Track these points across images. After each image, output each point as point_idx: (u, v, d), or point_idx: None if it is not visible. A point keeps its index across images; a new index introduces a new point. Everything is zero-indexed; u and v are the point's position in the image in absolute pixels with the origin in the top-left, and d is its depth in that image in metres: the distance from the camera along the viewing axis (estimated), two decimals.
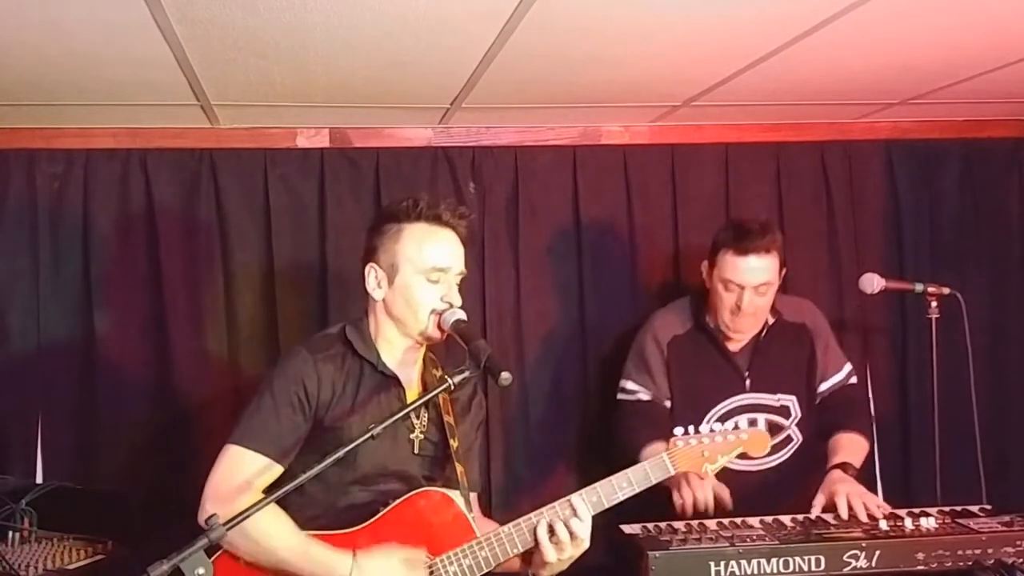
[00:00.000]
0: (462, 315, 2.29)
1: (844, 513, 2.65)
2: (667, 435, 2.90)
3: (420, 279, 2.29)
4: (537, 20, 2.33)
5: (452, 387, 2.15)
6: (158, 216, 3.37)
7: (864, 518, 2.61)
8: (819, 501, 2.76)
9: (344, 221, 3.47)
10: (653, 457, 2.33)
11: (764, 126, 3.69)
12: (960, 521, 2.58)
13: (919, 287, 3.22)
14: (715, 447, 2.36)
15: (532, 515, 2.25)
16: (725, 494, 2.80)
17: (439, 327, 2.29)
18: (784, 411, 3.06)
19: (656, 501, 2.66)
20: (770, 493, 2.94)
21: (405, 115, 3.38)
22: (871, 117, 3.68)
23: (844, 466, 2.85)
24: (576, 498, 2.24)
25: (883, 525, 2.54)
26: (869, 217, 3.77)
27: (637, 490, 2.29)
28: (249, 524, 1.98)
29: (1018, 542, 2.44)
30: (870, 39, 2.62)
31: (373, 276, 2.34)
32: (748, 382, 3.04)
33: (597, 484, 2.28)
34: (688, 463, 2.33)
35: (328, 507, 2.29)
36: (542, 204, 3.61)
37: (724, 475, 2.92)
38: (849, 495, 2.68)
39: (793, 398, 3.07)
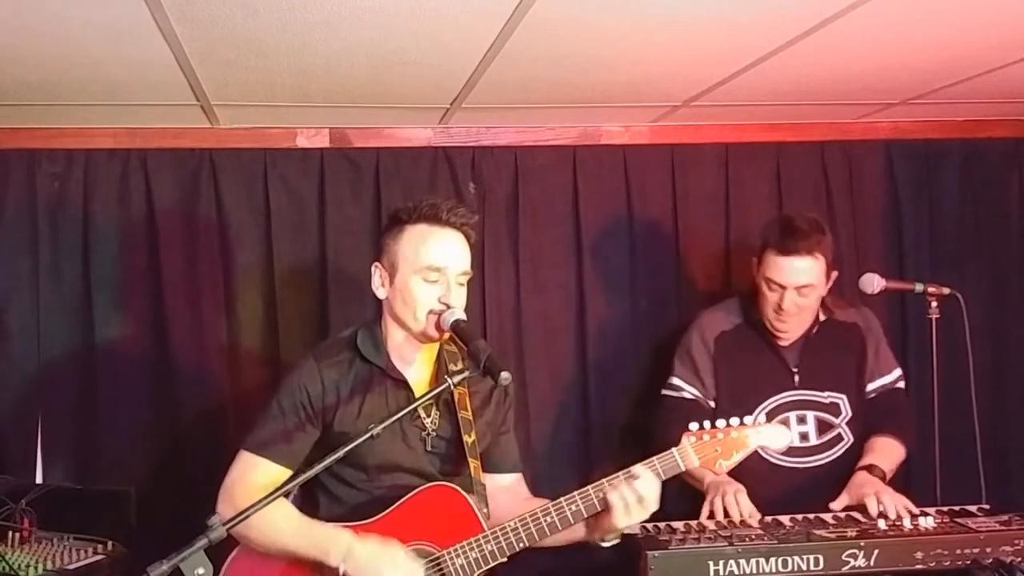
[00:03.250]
0: (461, 315, 2.30)
1: (874, 511, 2.63)
2: None
3: (416, 279, 2.32)
4: (537, 20, 2.33)
5: (452, 387, 2.17)
6: (158, 216, 3.37)
7: (893, 515, 2.60)
8: (842, 500, 2.74)
9: (344, 221, 3.47)
10: (664, 453, 2.32)
11: (764, 126, 3.69)
12: (958, 520, 2.58)
13: (919, 287, 3.22)
14: (729, 443, 2.35)
15: (538, 509, 2.29)
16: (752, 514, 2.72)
17: (438, 327, 2.30)
18: (834, 409, 3.03)
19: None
20: (818, 491, 2.87)
21: (405, 115, 3.38)
22: (871, 117, 3.68)
23: (871, 468, 2.83)
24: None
25: (881, 524, 2.54)
26: (869, 217, 3.77)
27: None
28: (255, 516, 2.06)
29: (1016, 541, 2.44)
30: (870, 39, 2.62)
31: (377, 275, 2.41)
32: (797, 378, 3.01)
33: (590, 487, 2.30)
34: (701, 459, 2.32)
35: (352, 504, 2.38)
36: (542, 204, 3.61)
37: (773, 472, 2.94)
38: (878, 493, 2.68)
39: (843, 396, 3.03)
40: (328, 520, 2.35)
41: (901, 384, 3.15)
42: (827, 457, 3.02)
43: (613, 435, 3.61)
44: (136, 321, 3.38)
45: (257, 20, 2.29)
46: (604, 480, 2.29)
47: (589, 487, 2.29)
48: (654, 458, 2.31)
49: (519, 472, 2.60)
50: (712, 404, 3.06)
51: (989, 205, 3.83)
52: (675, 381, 3.11)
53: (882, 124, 3.75)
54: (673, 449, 2.33)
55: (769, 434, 2.38)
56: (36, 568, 2.44)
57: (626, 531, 2.32)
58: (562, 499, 2.29)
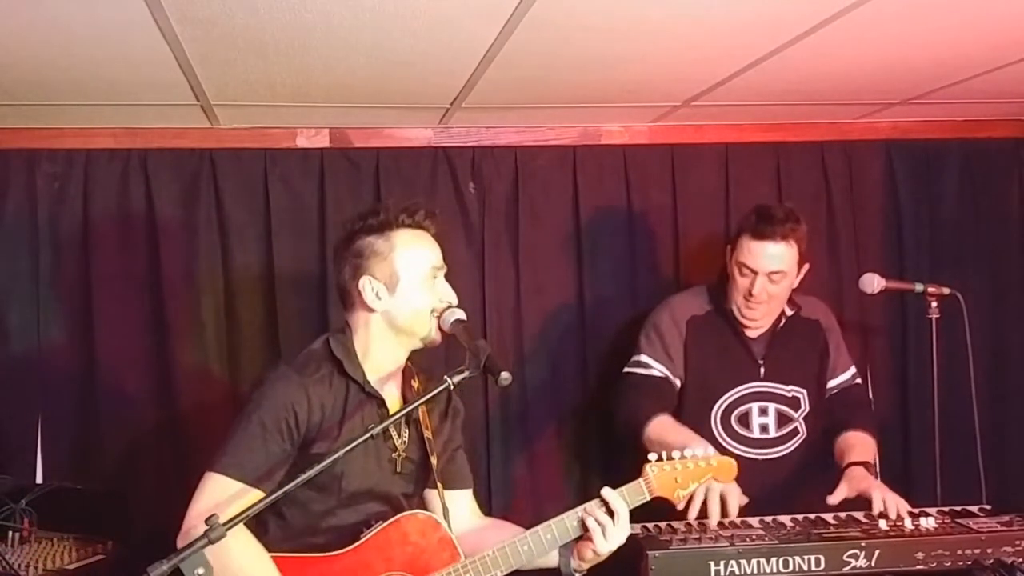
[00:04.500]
0: (461, 315, 2.29)
1: (878, 509, 2.64)
2: (673, 411, 2.93)
3: (424, 283, 2.30)
4: (537, 20, 2.33)
5: (452, 387, 2.13)
6: (158, 216, 3.37)
7: (894, 515, 2.61)
8: (841, 491, 2.75)
9: (344, 221, 3.46)
10: (631, 484, 2.31)
11: (764, 126, 3.69)
12: (959, 521, 2.58)
13: (919, 287, 3.22)
14: (687, 473, 2.34)
15: (515, 538, 2.25)
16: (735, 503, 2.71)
17: (440, 328, 2.30)
18: (794, 403, 3.05)
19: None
20: (772, 482, 2.92)
21: (405, 115, 3.38)
22: (871, 117, 3.68)
23: (866, 465, 2.85)
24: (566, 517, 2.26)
25: (883, 525, 2.54)
26: (869, 217, 3.77)
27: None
28: (220, 552, 1.91)
29: (1017, 542, 2.44)
30: (870, 39, 2.62)
31: (370, 288, 2.28)
32: (763, 370, 3.03)
33: (564, 515, 2.28)
34: (663, 488, 2.32)
35: (311, 531, 2.27)
36: (542, 204, 3.61)
37: None
38: (883, 491, 2.69)
39: (804, 391, 3.06)
40: (275, 547, 2.20)
41: (859, 380, 3.20)
42: (784, 450, 3.05)
43: (613, 435, 3.61)
44: (136, 321, 3.38)
45: (257, 20, 2.29)
46: (578, 507, 2.27)
47: (563, 515, 2.27)
48: (622, 488, 2.29)
49: (471, 487, 2.57)
50: (678, 383, 3.06)
51: (989, 205, 3.83)
52: (643, 359, 3.07)
53: (882, 124, 3.75)
54: (640, 479, 2.31)
55: (720, 466, 2.39)
56: (36, 568, 2.45)
57: (600, 558, 2.29)
58: (538, 527, 2.27)
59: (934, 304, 3.20)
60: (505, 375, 2.06)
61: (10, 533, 2.63)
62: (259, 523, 2.23)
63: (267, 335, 3.45)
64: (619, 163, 3.64)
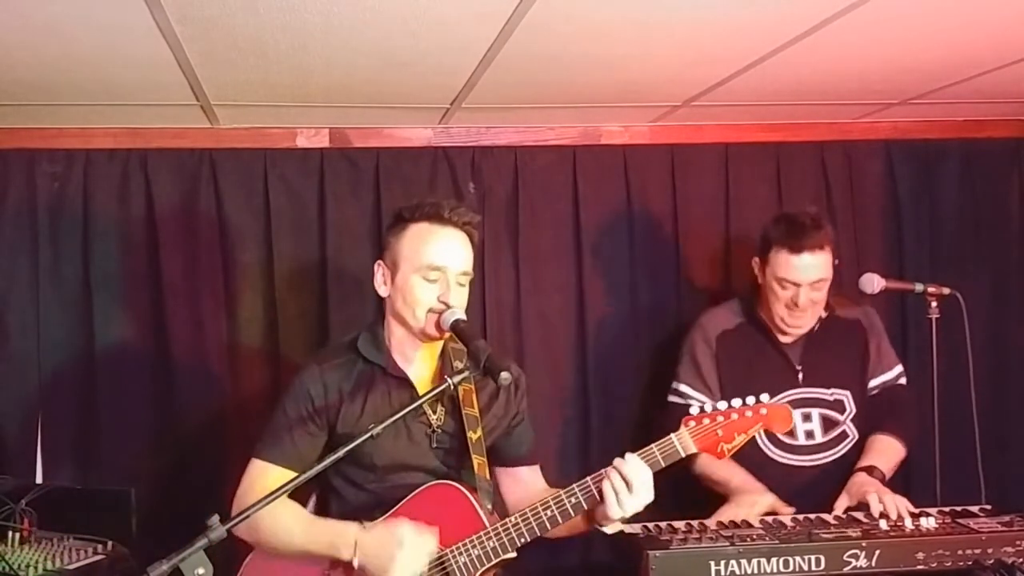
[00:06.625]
0: (461, 315, 2.30)
1: (876, 509, 2.64)
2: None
3: (416, 277, 2.34)
4: (537, 20, 2.33)
5: (452, 387, 2.18)
6: (158, 216, 3.37)
7: (894, 516, 2.60)
8: (843, 501, 2.75)
9: (344, 221, 3.47)
10: (662, 440, 2.29)
11: (764, 126, 3.69)
12: (960, 521, 2.58)
13: (919, 287, 3.22)
14: (731, 425, 2.30)
15: (539, 504, 2.29)
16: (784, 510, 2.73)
17: (438, 327, 2.30)
18: (839, 406, 3.03)
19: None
20: (826, 489, 2.87)
21: (405, 115, 3.38)
22: (871, 117, 3.68)
23: (871, 469, 2.84)
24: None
25: (883, 525, 2.54)
26: (869, 217, 3.77)
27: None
28: (261, 519, 2.16)
29: (1018, 542, 2.44)
30: (870, 39, 2.62)
31: (380, 273, 2.43)
32: (801, 376, 3.01)
33: (589, 477, 2.30)
34: (703, 444, 2.29)
35: (359, 505, 2.41)
36: (542, 204, 3.61)
37: (780, 471, 2.94)
38: (879, 492, 2.69)
39: (847, 393, 3.04)
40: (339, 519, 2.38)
41: (903, 380, 3.15)
42: (834, 455, 3.02)
43: (613, 435, 3.61)
44: (136, 321, 3.38)
45: (257, 20, 2.29)
46: (603, 470, 2.28)
47: (588, 478, 2.29)
48: (652, 445, 2.29)
49: (533, 464, 2.60)
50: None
51: (989, 205, 3.83)
52: (682, 388, 3.09)
53: (882, 124, 3.75)
54: (672, 435, 2.30)
55: (772, 414, 2.33)
56: (36, 568, 2.44)
57: (626, 523, 2.29)
58: (561, 492, 2.30)
59: (934, 304, 3.20)
60: (504, 375, 2.09)
61: (10, 533, 2.62)
62: (323, 504, 2.49)
63: (267, 334, 3.45)
64: (619, 163, 3.64)
